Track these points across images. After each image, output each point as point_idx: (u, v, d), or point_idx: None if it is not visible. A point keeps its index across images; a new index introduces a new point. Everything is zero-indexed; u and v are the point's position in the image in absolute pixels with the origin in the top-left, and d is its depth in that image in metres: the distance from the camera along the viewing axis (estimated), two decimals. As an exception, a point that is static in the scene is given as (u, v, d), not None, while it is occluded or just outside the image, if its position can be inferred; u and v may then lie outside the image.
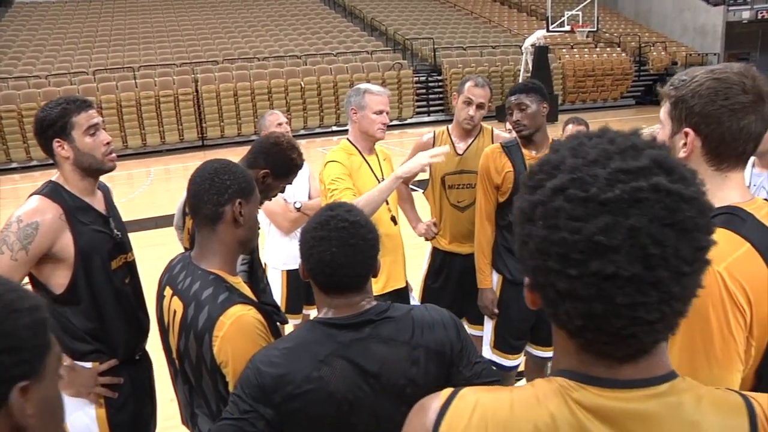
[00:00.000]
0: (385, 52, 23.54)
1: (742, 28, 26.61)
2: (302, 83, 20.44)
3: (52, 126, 2.31)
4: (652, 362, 0.82)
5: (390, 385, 1.56)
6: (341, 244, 1.57)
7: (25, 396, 0.86)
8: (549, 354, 3.41)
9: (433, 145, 3.64)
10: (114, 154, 2.43)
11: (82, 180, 2.38)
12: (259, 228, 2.00)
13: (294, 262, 4.00)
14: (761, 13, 25.53)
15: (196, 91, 19.42)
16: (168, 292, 1.90)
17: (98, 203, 2.47)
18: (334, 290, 1.63)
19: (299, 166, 2.68)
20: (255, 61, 21.20)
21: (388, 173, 3.25)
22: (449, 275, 3.71)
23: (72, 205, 2.33)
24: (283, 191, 2.74)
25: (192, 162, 16.99)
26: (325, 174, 3.11)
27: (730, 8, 26.47)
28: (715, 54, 26.21)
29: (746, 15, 25.98)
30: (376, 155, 3.33)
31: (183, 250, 2.30)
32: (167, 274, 1.96)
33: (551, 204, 0.77)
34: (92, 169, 2.38)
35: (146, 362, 2.66)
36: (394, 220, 3.28)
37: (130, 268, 2.55)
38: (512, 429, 0.82)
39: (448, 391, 0.90)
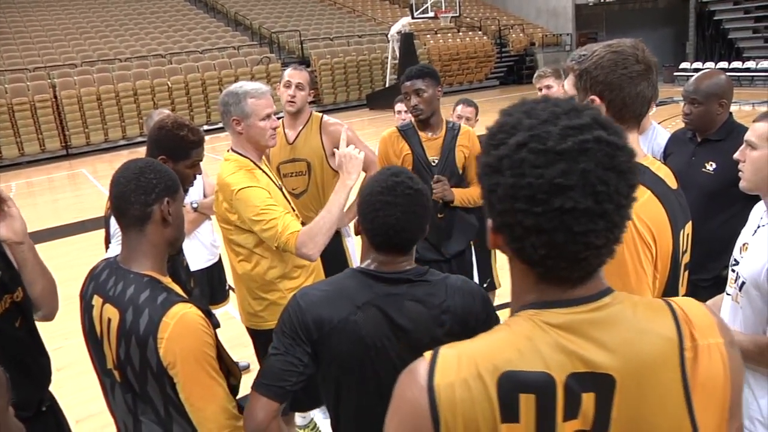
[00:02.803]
0: (252, 47, 23.21)
1: (589, 10, 28.44)
2: (169, 83, 19.78)
3: None
4: (595, 282, 1.00)
5: (415, 341, 1.66)
6: (406, 210, 1.70)
7: None
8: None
9: None
10: None
11: None
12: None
13: (196, 262, 3.96)
14: (603, -5, 27.41)
15: (55, 96, 18.30)
16: (97, 301, 1.83)
17: None
18: (387, 249, 1.74)
19: (195, 142, 2.58)
20: (117, 63, 20.26)
21: (273, 172, 3.19)
22: (336, 257, 3.76)
23: None
24: (194, 177, 2.64)
25: (57, 173, 16.04)
26: (247, 205, 2.76)
27: (578, -9, 28.22)
28: (567, 34, 27.84)
29: (591, -3, 27.80)
30: (264, 161, 3.10)
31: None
32: (92, 282, 1.89)
33: (516, 156, 0.93)
34: None
35: (54, 413, 2.29)
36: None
37: (20, 307, 2.13)
38: (499, 358, 0.95)
39: (428, 352, 1.02)
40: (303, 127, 3.70)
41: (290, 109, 3.65)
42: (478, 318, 1.73)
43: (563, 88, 1.82)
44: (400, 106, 4.62)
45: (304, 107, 3.69)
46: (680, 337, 0.98)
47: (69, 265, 6.24)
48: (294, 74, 3.63)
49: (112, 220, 2.38)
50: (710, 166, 3.09)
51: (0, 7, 23.69)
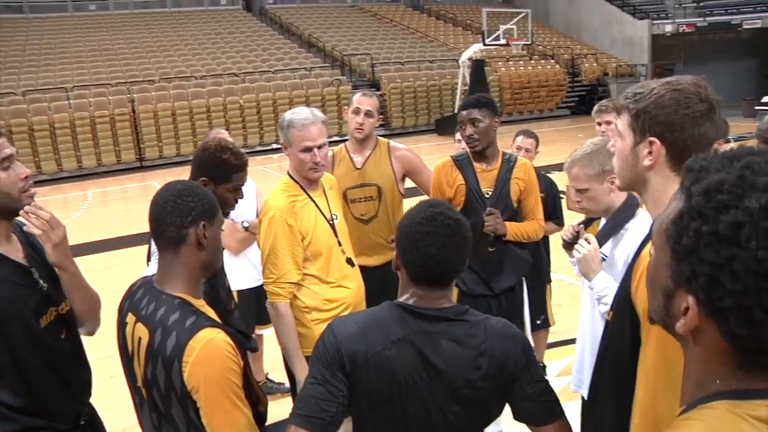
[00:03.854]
0: (324, 69, 23.59)
1: (666, 41, 27.77)
2: (241, 101, 20.29)
3: None
4: None
5: (448, 382, 1.62)
6: (447, 241, 1.65)
7: None
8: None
9: (333, 164, 3.65)
10: (33, 189, 2.05)
11: None
12: (223, 249, 1.95)
13: (244, 282, 3.97)
14: (681, 27, 26.69)
15: (133, 111, 19.03)
16: (131, 318, 1.84)
17: (15, 251, 2.05)
18: (426, 282, 1.70)
19: (238, 165, 2.58)
20: (192, 80, 20.93)
21: (335, 201, 3.16)
22: (367, 288, 3.63)
23: None
24: (236, 201, 2.64)
25: (130, 184, 16.63)
26: (261, 233, 2.91)
27: (654, 22, 27.59)
28: (643, 65, 27.22)
29: (669, 28, 27.12)
30: (321, 186, 3.10)
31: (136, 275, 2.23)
32: (128, 300, 1.91)
33: (764, 223, 0.78)
34: (7, 210, 1.99)
35: (93, 426, 2.28)
36: (350, 262, 3.10)
37: (65, 320, 2.15)
38: None
39: None
40: (371, 153, 3.68)
41: (358, 136, 3.63)
42: (517, 363, 1.67)
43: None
44: (459, 135, 4.55)
45: (371, 134, 3.66)
46: None
47: (136, 273, 6.56)
48: (363, 101, 3.61)
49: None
50: None
51: (90, 27, 24.96)
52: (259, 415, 1.82)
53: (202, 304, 1.83)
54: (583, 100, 26.28)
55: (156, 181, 15.99)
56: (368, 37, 27.20)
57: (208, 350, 1.66)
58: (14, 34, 23.75)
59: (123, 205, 14.64)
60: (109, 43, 23.74)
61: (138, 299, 1.85)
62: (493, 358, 1.64)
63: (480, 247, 3.14)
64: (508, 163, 3.41)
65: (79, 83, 19.83)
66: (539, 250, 4.19)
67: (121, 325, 1.89)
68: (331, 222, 3.02)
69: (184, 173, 2.64)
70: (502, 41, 21.68)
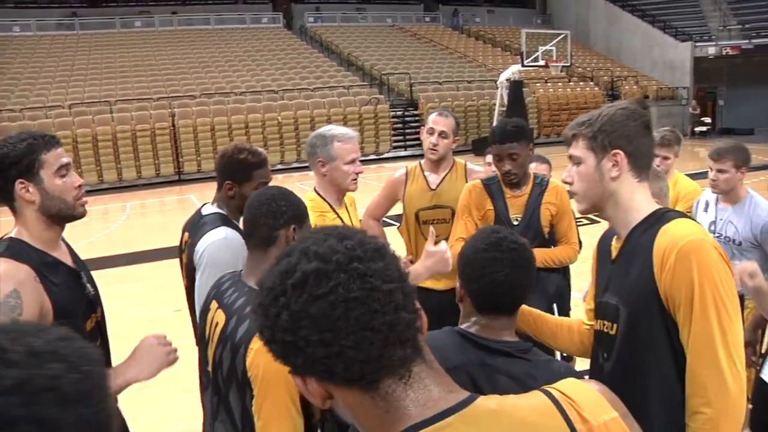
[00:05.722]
0: (362, 87, 23.76)
1: (709, 63, 27.32)
2: (279, 118, 20.52)
3: (17, 164, 1.93)
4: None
5: None
6: (514, 266, 1.63)
7: None
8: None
9: (406, 182, 3.64)
10: (85, 198, 2.10)
11: (48, 230, 2.02)
12: None
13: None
14: (725, 49, 26.25)
15: (173, 125, 19.41)
16: (213, 305, 1.97)
17: (65, 256, 2.11)
18: (491, 310, 1.65)
19: (256, 163, 2.60)
20: (232, 96, 21.27)
21: (356, 218, 3.18)
22: (427, 312, 3.63)
23: (39, 262, 1.96)
24: None
25: (169, 197, 16.87)
26: None
27: (697, 44, 27.19)
28: (684, 88, 26.84)
29: (712, 51, 26.69)
30: (344, 203, 3.13)
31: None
32: (215, 289, 2.03)
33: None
34: (61, 216, 2.03)
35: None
36: None
37: (101, 328, 2.21)
38: None
39: None
40: (447, 174, 3.62)
41: (432, 157, 3.57)
42: None
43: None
44: (490, 158, 4.49)
45: (447, 154, 3.61)
46: (569, 422, 0.89)
47: (165, 287, 6.26)
48: (438, 121, 3.54)
49: (200, 248, 2.46)
50: None
51: (136, 43, 25.59)
52: (311, 427, 1.82)
53: None
54: (622, 122, 25.91)
55: (194, 195, 16.21)
56: (407, 56, 27.34)
57: None
58: (64, 50, 24.52)
59: (161, 217, 14.85)
60: (152, 58, 24.31)
61: (224, 289, 1.97)
62: None
63: None
64: (540, 187, 3.31)
65: (122, 97, 20.32)
66: (567, 273, 4.11)
67: (204, 311, 2.03)
68: None
69: (223, 187, 2.67)
70: (541, 62, 21.57)
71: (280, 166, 19.44)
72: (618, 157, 1.69)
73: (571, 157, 1.78)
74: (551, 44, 21.89)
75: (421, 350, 0.91)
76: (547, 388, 0.96)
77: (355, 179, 2.98)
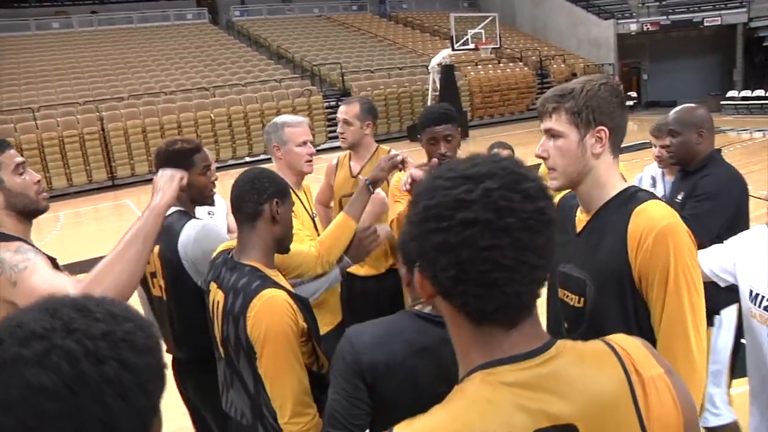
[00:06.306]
0: (294, 80, 23.56)
1: (631, 40, 28.18)
2: (212, 116, 20.16)
3: None
4: (534, 330, 0.99)
5: None
6: None
7: None
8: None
9: (336, 170, 3.77)
10: (45, 194, 2.23)
11: (19, 224, 2.13)
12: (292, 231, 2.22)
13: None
14: (646, 26, 27.11)
15: (103, 129, 18.80)
16: (212, 286, 2.16)
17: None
18: None
19: (191, 149, 2.64)
20: (162, 96, 20.77)
21: (310, 206, 3.21)
22: (356, 299, 3.57)
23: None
24: (212, 183, 2.74)
25: (103, 203, 16.39)
26: None
27: (619, 21, 27.98)
28: (610, 64, 27.58)
29: (633, 27, 27.52)
30: (303, 189, 3.21)
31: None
32: (211, 271, 2.21)
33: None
34: (27, 212, 2.15)
35: None
36: None
37: None
38: (461, 428, 0.92)
39: None
40: (368, 161, 3.67)
41: (341, 144, 3.68)
42: None
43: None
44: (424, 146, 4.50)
45: (360, 141, 3.64)
46: (627, 374, 0.98)
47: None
48: (341, 110, 3.66)
49: (186, 246, 2.49)
50: None
51: (55, 45, 24.63)
52: (319, 378, 2.03)
53: (275, 274, 2.10)
54: (552, 101, 26.46)
55: (129, 200, 15.80)
56: (337, 46, 27.22)
57: (267, 305, 1.93)
58: (-24, 56, 23.36)
59: (96, 225, 14.42)
60: (74, 61, 23.45)
61: (219, 270, 2.16)
62: None
63: None
64: None
65: (46, 103, 19.55)
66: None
67: (206, 293, 2.23)
68: (312, 219, 3.14)
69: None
70: (471, 46, 21.81)
71: (216, 164, 18.99)
72: (602, 134, 1.70)
73: (547, 130, 1.76)
74: (480, 27, 22.15)
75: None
76: (606, 339, 1.03)
77: (310, 161, 3.14)
